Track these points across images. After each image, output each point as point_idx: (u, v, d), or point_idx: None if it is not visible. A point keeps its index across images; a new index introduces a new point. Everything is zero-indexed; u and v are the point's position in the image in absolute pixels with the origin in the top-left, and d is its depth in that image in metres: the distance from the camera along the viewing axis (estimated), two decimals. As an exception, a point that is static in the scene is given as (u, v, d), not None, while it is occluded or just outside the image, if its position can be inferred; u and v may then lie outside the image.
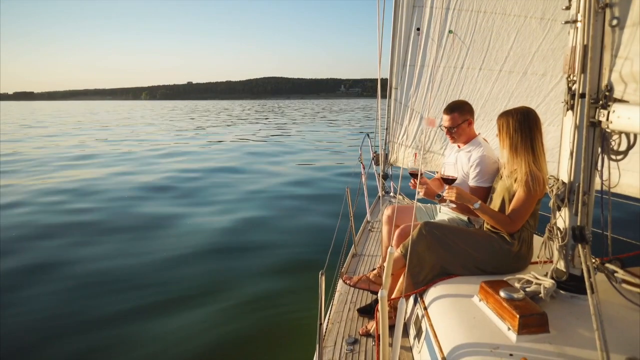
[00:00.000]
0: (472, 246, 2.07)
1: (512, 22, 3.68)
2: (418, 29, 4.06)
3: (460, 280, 2.04)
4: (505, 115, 2.06)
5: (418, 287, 2.08)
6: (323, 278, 1.89)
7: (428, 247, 2.11)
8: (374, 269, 2.88)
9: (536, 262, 2.08)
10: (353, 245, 3.49)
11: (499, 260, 2.04)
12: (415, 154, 4.50)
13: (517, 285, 1.77)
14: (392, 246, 2.25)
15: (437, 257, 2.09)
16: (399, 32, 4.15)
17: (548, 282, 1.70)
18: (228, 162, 13.29)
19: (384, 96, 4.44)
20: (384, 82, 4.51)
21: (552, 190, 1.72)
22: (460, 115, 2.51)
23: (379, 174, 4.88)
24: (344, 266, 3.19)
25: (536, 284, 1.74)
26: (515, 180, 2.02)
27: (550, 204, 1.75)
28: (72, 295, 4.35)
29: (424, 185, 2.56)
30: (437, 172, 2.60)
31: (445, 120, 2.54)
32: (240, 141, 19.91)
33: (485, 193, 2.39)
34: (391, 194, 4.92)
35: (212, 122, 36.22)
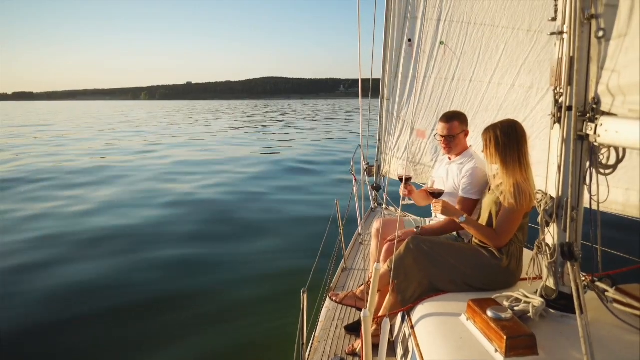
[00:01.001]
0: (461, 261, 2.01)
1: (501, 34, 3.67)
2: (409, 40, 4.05)
3: (449, 298, 1.98)
4: (492, 129, 2.02)
5: (405, 304, 2.02)
6: (305, 296, 1.82)
7: (415, 262, 2.05)
8: (362, 285, 2.81)
9: (526, 279, 2.03)
10: (343, 259, 3.42)
11: (487, 276, 1.98)
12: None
13: (505, 303, 1.71)
14: (377, 262, 2.19)
15: (425, 272, 2.03)
16: (390, 43, 4.14)
17: (537, 301, 1.64)
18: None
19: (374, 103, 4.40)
20: (376, 87, 4.49)
21: (540, 205, 1.67)
22: (460, 124, 2.47)
23: (372, 186, 4.83)
24: (333, 281, 3.11)
25: (525, 302, 1.68)
26: (501, 194, 1.97)
27: (539, 219, 1.69)
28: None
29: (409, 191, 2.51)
30: (424, 185, 2.57)
31: (443, 129, 2.47)
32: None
33: (473, 205, 2.35)
34: (384, 205, 4.86)
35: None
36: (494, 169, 2.04)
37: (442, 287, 2.02)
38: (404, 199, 2.60)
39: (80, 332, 3.81)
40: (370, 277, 2.74)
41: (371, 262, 2.83)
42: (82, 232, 6.67)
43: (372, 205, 4.79)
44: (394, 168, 4.52)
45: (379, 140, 4.59)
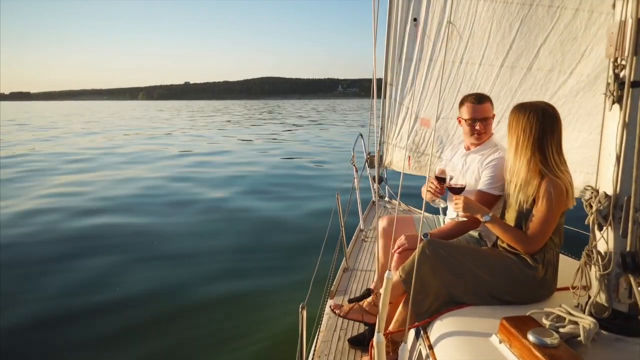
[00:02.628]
0: (486, 270, 1.71)
1: (515, 11, 3.34)
2: (415, 20, 3.71)
3: (472, 312, 1.68)
4: (521, 110, 1.70)
5: (421, 318, 1.72)
6: (304, 313, 1.54)
7: (432, 270, 1.75)
8: (367, 291, 2.51)
9: (563, 289, 1.73)
10: (344, 259, 3.12)
11: (519, 288, 1.68)
12: (409, 157, 4.15)
13: (545, 321, 1.41)
14: (389, 269, 1.88)
15: (443, 282, 1.73)
16: (394, 23, 3.80)
17: (588, 321, 1.34)
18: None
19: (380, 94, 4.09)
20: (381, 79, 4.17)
21: (591, 205, 1.37)
22: (491, 105, 2.16)
23: (373, 177, 4.52)
24: (334, 284, 2.82)
25: (571, 322, 1.39)
26: (532, 190, 1.66)
27: (589, 221, 1.39)
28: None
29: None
30: (428, 177, 2.20)
31: (475, 110, 2.12)
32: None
33: (494, 202, 2.05)
34: (386, 199, 4.56)
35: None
36: (519, 160, 1.72)
37: (463, 300, 1.72)
38: (434, 201, 2.19)
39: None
40: (378, 286, 2.44)
41: (377, 265, 2.53)
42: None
43: (373, 199, 4.49)
44: (396, 159, 4.21)
45: (381, 128, 4.27)
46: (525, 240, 1.67)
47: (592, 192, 1.39)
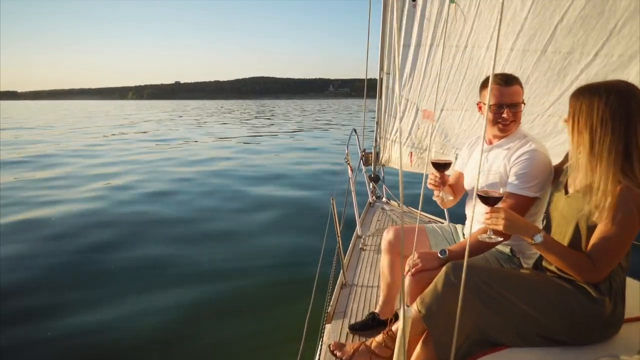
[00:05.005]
0: (533, 303, 1.34)
1: None
2: (414, 0, 3.33)
3: (514, 356, 1.32)
4: (595, 93, 1.31)
5: (448, 365, 1.34)
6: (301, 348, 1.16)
7: (461, 303, 1.37)
8: (371, 316, 2.13)
9: (633, 320, 1.37)
10: (342, 272, 2.74)
11: (580, 326, 1.32)
12: (411, 153, 3.77)
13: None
14: (406, 304, 1.50)
15: (476, 318, 1.36)
16: (391, 4, 3.40)
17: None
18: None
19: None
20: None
21: None
22: (521, 88, 1.78)
23: (369, 176, 4.14)
24: (332, 303, 2.44)
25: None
26: (606, 202, 1.27)
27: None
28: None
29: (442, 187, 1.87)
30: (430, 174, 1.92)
31: (503, 94, 1.73)
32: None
33: (528, 206, 1.68)
34: (384, 199, 4.19)
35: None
36: (582, 160, 1.34)
37: (502, 340, 1.36)
38: (438, 195, 1.95)
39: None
40: (385, 313, 2.07)
41: (382, 283, 2.15)
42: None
43: (369, 199, 4.11)
44: (395, 155, 3.83)
45: (377, 123, 3.88)
46: (589, 268, 1.29)
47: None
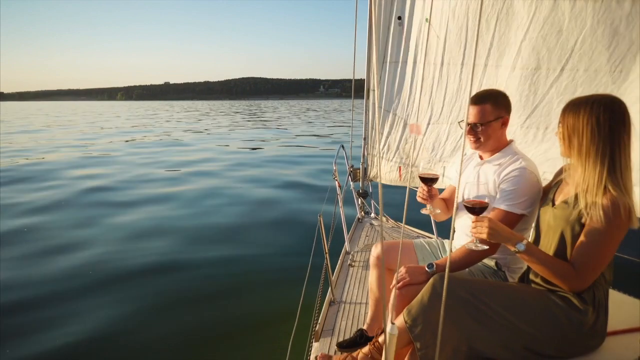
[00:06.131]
0: (520, 315, 1.35)
1: (490, 5, 3.10)
2: (399, 18, 3.41)
3: None
4: (580, 104, 1.36)
5: (436, 379, 1.33)
6: None
7: (447, 315, 1.37)
8: (360, 333, 2.11)
9: (615, 333, 1.38)
10: (329, 289, 2.72)
11: (564, 339, 1.32)
12: (400, 167, 3.80)
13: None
14: (392, 322, 1.49)
15: (463, 331, 1.36)
16: (376, 22, 3.48)
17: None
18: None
19: (360, 97, 3.75)
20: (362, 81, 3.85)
21: None
22: (494, 107, 1.78)
23: (357, 192, 4.15)
24: (319, 320, 2.41)
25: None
26: (586, 209, 1.30)
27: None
28: None
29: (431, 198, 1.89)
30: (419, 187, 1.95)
31: (471, 113, 1.80)
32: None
33: (515, 223, 1.70)
34: (372, 215, 4.19)
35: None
36: (577, 170, 1.37)
37: (489, 354, 1.35)
38: (425, 208, 1.99)
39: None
40: (373, 329, 2.06)
41: (371, 299, 2.14)
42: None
43: (358, 215, 4.11)
44: (384, 171, 3.86)
45: (364, 138, 3.92)
46: (572, 276, 1.31)
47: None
